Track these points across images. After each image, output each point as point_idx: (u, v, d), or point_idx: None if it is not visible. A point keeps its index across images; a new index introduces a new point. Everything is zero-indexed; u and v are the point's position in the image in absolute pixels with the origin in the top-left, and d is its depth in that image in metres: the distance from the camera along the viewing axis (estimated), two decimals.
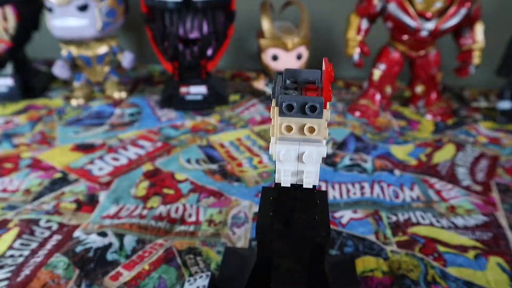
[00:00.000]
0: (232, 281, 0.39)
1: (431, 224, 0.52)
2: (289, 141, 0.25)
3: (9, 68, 0.87)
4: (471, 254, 0.47)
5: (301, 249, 0.31)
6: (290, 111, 0.24)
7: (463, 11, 0.70)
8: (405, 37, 0.75)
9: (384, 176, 0.61)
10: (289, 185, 0.27)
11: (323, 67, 0.25)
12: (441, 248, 0.48)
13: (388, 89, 0.82)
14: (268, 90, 0.86)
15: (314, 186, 0.27)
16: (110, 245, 0.48)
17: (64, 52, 0.86)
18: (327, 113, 0.24)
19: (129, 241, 0.48)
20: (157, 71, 1.05)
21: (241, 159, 0.65)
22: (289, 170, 0.26)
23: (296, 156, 0.25)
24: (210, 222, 0.52)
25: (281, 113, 0.24)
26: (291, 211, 0.30)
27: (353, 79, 1.00)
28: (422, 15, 0.70)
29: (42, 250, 0.47)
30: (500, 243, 0.49)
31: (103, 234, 0.49)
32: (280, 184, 0.27)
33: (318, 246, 0.31)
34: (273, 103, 0.25)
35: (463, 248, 0.48)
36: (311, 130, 0.24)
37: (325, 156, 0.25)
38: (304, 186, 0.27)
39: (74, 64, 0.87)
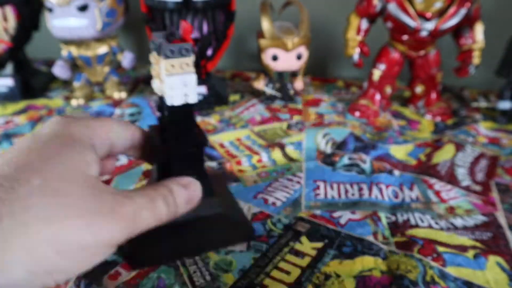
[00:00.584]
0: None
1: (430, 226, 0.52)
2: (175, 74, 0.35)
3: (9, 68, 0.88)
4: (470, 253, 0.47)
5: (183, 158, 0.40)
6: (172, 54, 0.34)
7: (463, 11, 0.70)
8: (405, 37, 0.75)
9: (383, 178, 0.61)
10: (180, 104, 0.37)
11: (180, 31, 0.37)
12: (440, 248, 0.48)
13: (388, 89, 0.82)
14: (268, 90, 0.87)
15: (191, 104, 0.37)
16: None
17: (64, 52, 0.86)
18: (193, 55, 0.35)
19: None
20: None
21: (240, 157, 0.65)
22: (177, 94, 0.36)
23: (181, 83, 0.36)
24: None
25: (166, 56, 0.35)
26: (175, 126, 0.38)
27: (353, 79, 1.00)
28: (422, 15, 0.70)
29: None
30: (499, 243, 0.49)
31: None
32: (171, 106, 0.37)
33: (193, 154, 0.40)
34: (154, 54, 0.36)
35: (462, 248, 0.48)
36: (187, 65, 0.36)
37: (196, 81, 0.36)
38: (189, 102, 0.37)
39: (74, 64, 0.87)
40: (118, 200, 0.27)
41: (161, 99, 0.39)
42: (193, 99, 0.37)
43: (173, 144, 0.39)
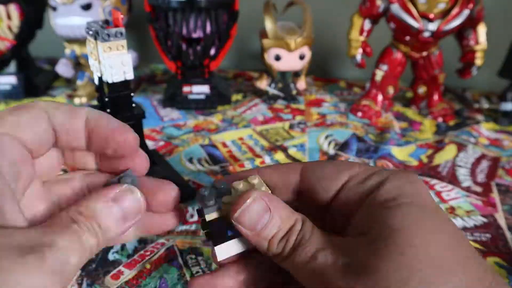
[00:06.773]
0: None
1: None
2: (113, 55, 0.41)
3: (12, 67, 0.88)
4: None
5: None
6: (109, 38, 0.40)
7: (466, 12, 0.70)
8: (408, 38, 0.75)
9: None
10: (120, 80, 0.43)
11: (112, 19, 0.42)
12: None
13: (390, 90, 0.82)
14: (271, 90, 0.87)
15: (129, 81, 0.44)
16: (111, 246, 0.48)
17: (67, 50, 0.86)
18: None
19: (131, 242, 0.49)
20: (160, 70, 1.06)
21: (243, 160, 0.66)
22: (116, 72, 0.42)
23: (119, 62, 0.42)
24: None
25: (103, 40, 0.40)
26: (116, 102, 0.45)
27: (356, 79, 1.00)
28: (425, 16, 0.70)
29: None
30: (498, 244, 0.49)
31: None
32: (111, 83, 0.43)
33: (133, 126, 0.47)
34: (91, 40, 0.42)
35: None
36: (122, 47, 0.42)
37: (130, 59, 0.43)
38: (127, 79, 0.43)
39: (77, 63, 0.87)
40: (38, 252, 0.20)
41: (100, 80, 0.44)
42: (130, 76, 0.44)
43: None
